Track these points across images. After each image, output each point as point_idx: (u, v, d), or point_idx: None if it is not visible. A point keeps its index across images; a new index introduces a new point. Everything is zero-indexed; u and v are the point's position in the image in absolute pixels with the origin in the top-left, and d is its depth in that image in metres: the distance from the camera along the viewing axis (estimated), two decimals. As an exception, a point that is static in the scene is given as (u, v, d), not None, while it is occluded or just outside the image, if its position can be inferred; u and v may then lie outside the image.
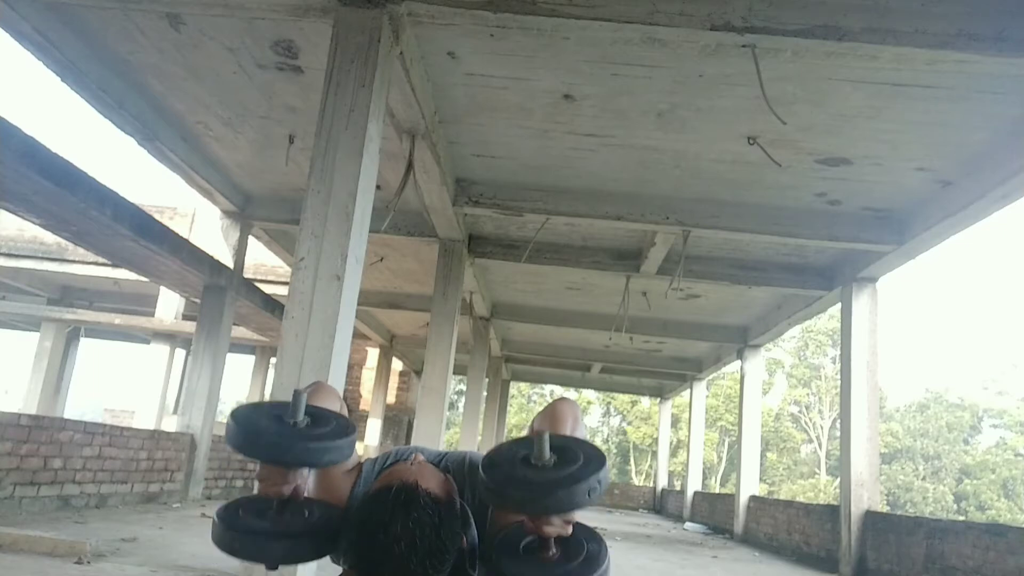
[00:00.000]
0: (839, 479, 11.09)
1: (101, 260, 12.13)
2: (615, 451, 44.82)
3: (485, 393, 16.48)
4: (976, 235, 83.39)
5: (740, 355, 13.77)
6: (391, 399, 20.67)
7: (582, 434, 1.55)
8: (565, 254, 9.58)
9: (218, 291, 9.35)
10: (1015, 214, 63.77)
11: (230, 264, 9.38)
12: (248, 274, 11.27)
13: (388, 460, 1.71)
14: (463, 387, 28.79)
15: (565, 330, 14.48)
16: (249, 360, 19.43)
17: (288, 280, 5.40)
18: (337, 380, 4.11)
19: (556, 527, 1.38)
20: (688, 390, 19.19)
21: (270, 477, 1.44)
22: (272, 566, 1.46)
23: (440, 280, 8.89)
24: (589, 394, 40.88)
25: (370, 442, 18.71)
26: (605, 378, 21.27)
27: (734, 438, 32.38)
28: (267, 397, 16.40)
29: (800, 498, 29.02)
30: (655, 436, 30.74)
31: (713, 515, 15.92)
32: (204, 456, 9.14)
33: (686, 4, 4.28)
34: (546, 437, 1.39)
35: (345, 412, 1.71)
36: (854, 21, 4.25)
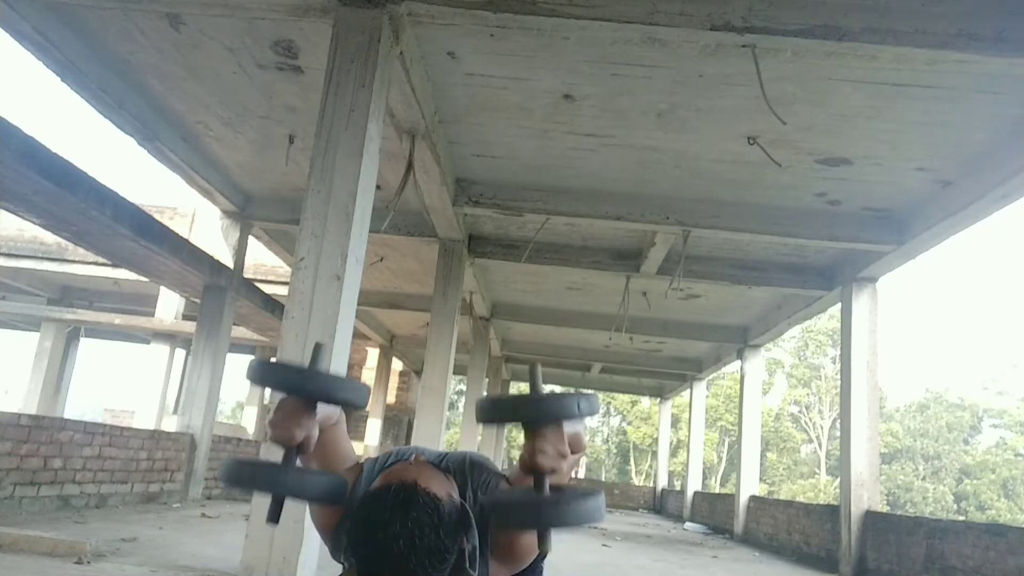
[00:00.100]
0: (839, 479, 11.09)
1: (101, 260, 12.13)
2: (615, 451, 44.84)
3: (485, 393, 16.48)
4: (976, 235, 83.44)
5: (740, 355, 13.78)
6: (391, 399, 20.68)
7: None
8: (565, 254, 9.58)
9: (218, 291, 9.36)
10: (1015, 214, 63.81)
11: (230, 264, 9.38)
12: (248, 274, 11.27)
13: (388, 460, 1.71)
14: (463, 387, 28.80)
15: (565, 330, 14.48)
16: (249, 360, 19.41)
17: (288, 280, 5.40)
18: (337, 380, 4.10)
19: (550, 457, 1.38)
20: (688, 390, 19.19)
21: (283, 420, 1.43)
22: (281, 493, 1.44)
23: (440, 280, 8.89)
24: (589, 394, 40.84)
25: (370, 442, 18.70)
26: (605, 378, 21.28)
27: (734, 438, 32.39)
28: (267, 398, 16.42)
29: (800, 498, 29.02)
30: (655, 436, 30.75)
31: (713, 515, 15.92)
32: (204, 456, 9.14)
33: (686, 4, 4.28)
34: (539, 367, 1.43)
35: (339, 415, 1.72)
36: (854, 21, 4.26)
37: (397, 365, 20.67)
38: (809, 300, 10.22)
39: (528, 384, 1.46)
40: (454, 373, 9.60)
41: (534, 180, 7.62)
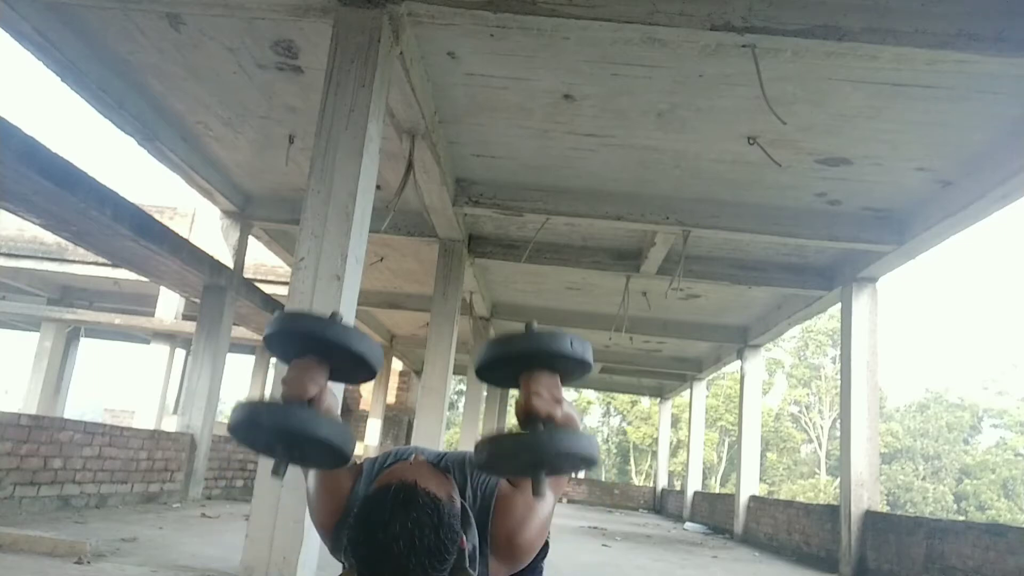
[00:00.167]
0: (839, 479, 11.09)
1: (101, 260, 12.13)
2: (615, 451, 44.84)
3: (485, 393, 16.48)
4: (976, 235, 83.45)
5: (740, 355, 13.78)
6: (391, 399, 20.68)
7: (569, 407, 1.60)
8: (565, 254, 9.58)
9: (218, 291, 9.36)
10: (1015, 214, 63.82)
11: (230, 264, 9.38)
12: (248, 274, 11.27)
13: (388, 460, 1.71)
14: (463, 387, 28.81)
15: (565, 330, 14.45)
16: (249, 360, 19.42)
17: (288, 280, 5.40)
18: (337, 380, 4.10)
19: (545, 400, 1.41)
20: (688, 390, 19.19)
21: (298, 375, 1.48)
22: (293, 428, 1.44)
23: (440, 280, 8.89)
24: (589, 394, 40.90)
25: (370, 442, 18.71)
26: (605, 378, 21.27)
27: (734, 438, 32.39)
28: (267, 397, 16.30)
29: (800, 498, 29.03)
30: (655, 436, 30.74)
31: (713, 515, 15.92)
32: (204, 456, 9.14)
33: (686, 4, 4.28)
34: (535, 323, 1.49)
35: (338, 410, 1.73)
36: (854, 21, 4.26)
37: (397, 365, 20.68)
38: (809, 300, 10.22)
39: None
40: (454, 373, 9.59)
41: (534, 180, 7.62)
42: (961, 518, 30.48)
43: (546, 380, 1.45)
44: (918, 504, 36.61)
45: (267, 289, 12.04)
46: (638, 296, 11.23)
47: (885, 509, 26.51)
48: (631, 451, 43.12)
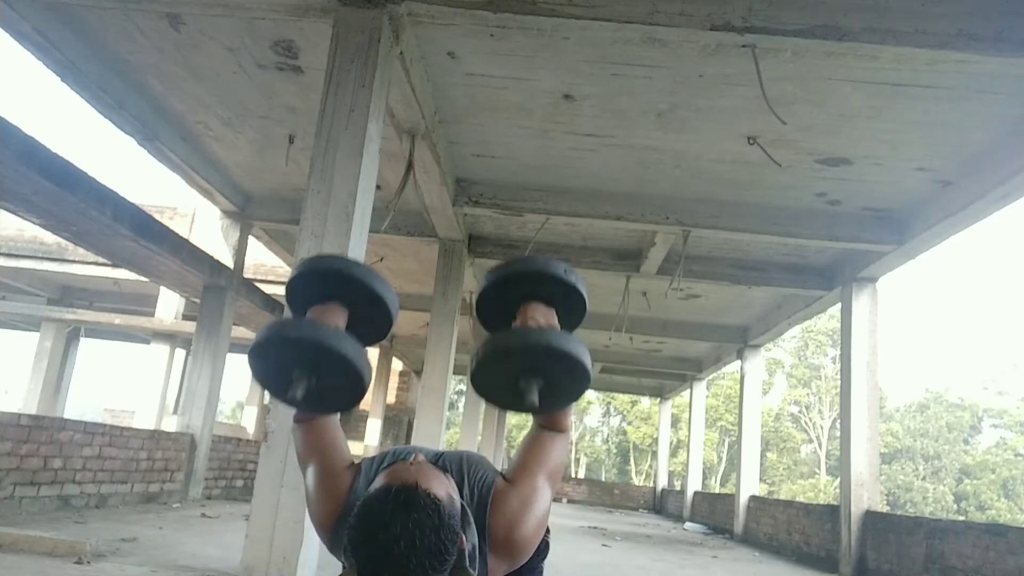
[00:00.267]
0: (839, 479, 11.09)
1: (101, 260, 12.12)
2: (615, 451, 44.83)
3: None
4: (976, 235, 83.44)
5: (740, 355, 13.78)
6: (391, 399, 20.68)
7: None
8: (565, 254, 9.58)
9: (218, 291, 9.36)
10: (1015, 214, 63.82)
11: (230, 264, 9.38)
12: (248, 274, 11.26)
13: (386, 460, 1.71)
14: (463, 387, 28.80)
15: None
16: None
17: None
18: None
19: (540, 324, 1.53)
20: (688, 390, 19.19)
21: (321, 314, 1.61)
22: (320, 341, 1.47)
23: (440, 280, 8.89)
24: (589, 394, 40.86)
25: (370, 442, 18.71)
26: (605, 378, 21.27)
27: (734, 438, 32.38)
28: (267, 397, 16.41)
29: (800, 498, 29.02)
30: (655, 436, 30.74)
31: (713, 515, 15.92)
32: (204, 456, 9.14)
33: (686, 4, 4.28)
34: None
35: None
36: (854, 21, 4.26)
37: (397, 365, 20.68)
38: (809, 300, 10.22)
39: None
40: (454, 373, 9.59)
41: (534, 180, 7.62)
42: (961, 518, 30.48)
43: (542, 309, 1.58)
44: (918, 504, 36.61)
45: (267, 289, 12.04)
46: (638, 296, 11.23)
47: (885, 509, 26.51)
48: (631, 451, 43.12)
